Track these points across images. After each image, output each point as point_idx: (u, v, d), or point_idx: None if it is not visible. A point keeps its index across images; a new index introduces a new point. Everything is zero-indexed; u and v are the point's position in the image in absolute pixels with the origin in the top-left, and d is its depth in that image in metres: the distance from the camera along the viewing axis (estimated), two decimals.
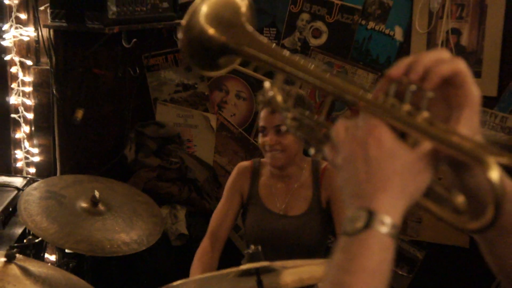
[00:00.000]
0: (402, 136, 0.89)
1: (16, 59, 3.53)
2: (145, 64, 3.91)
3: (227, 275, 2.16)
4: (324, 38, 3.61)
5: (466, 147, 0.84)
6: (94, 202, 2.72)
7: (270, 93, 1.03)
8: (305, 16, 3.61)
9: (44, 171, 3.62)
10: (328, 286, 0.86)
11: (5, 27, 3.48)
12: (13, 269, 2.13)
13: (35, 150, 3.64)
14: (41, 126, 3.63)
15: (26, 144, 3.64)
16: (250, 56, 1.03)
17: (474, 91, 0.93)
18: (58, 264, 3.25)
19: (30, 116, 3.61)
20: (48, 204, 2.69)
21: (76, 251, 2.67)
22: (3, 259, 2.15)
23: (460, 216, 0.88)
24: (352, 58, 3.58)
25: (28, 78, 3.57)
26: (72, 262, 3.09)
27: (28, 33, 3.52)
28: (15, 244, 2.74)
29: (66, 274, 2.34)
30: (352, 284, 0.84)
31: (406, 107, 0.89)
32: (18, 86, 3.56)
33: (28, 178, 3.34)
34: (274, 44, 1.04)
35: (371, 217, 0.85)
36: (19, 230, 3.03)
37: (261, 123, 2.68)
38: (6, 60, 3.54)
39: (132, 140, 3.79)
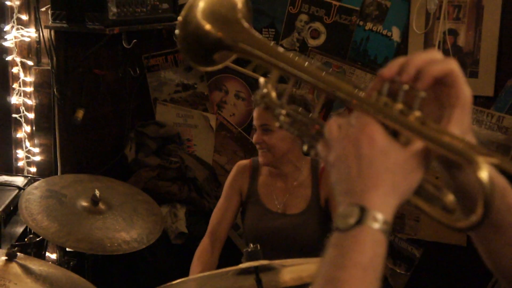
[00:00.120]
0: (394, 134, 0.90)
1: (18, 59, 3.55)
2: (145, 65, 3.92)
3: (227, 273, 2.17)
4: (322, 38, 3.63)
5: (456, 147, 0.86)
6: (94, 201, 2.73)
7: (265, 90, 1.03)
8: (303, 17, 3.63)
9: (45, 170, 3.64)
10: (321, 282, 0.87)
11: (7, 28, 3.50)
12: (14, 267, 2.15)
13: (36, 150, 3.66)
14: (42, 126, 3.65)
15: (27, 143, 3.66)
16: (245, 52, 1.04)
17: (465, 91, 0.94)
18: (59, 262, 3.27)
19: (31, 116, 3.63)
20: (49, 203, 2.70)
21: (76, 250, 2.68)
22: (4, 258, 2.17)
23: (450, 214, 0.89)
24: (350, 58, 3.60)
25: (29, 79, 3.59)
26: (72, 261, 3.11)
27: (29, 34, 3.54)
28: (16, 243, 2.77)
29: (66, 273, 2.36)
30: (345, 279, 0.84)
31: (399, 106, 0.90)
32: (19, 86, 3.58)
33: (29, 177, 3.35)
34: (269, 41, 1.04)
35: (363, 213, 0.86)
36: (20, 229, 3.05)
37: (253, 121, 2.72)
38: (7, 61, 3.56)
39: (132, 139, 3.81)
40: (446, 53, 3.39)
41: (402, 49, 3.50)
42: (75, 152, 3.63)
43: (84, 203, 2.74)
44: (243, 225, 2.91)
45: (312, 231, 2.70)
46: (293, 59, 0.99)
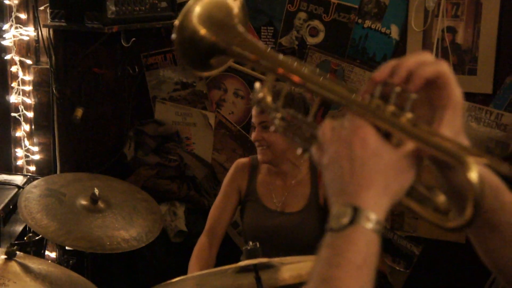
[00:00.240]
0: (386, 136, 0.91)
1: (16, 58, 3.55)
2: (144, 63, 3.93)
3: (226, 271, 2.18)
4: (321, 36, 3.63)
5: (446, 148, 0.87)
6: (93, 199, 2.74)
7: (260, 94, 1.05)
8: (302, 15, 3.63)
9: (44, 169, 3.64)
10: (315, 281, 0.88)
11: (5, 27, 3.50)
12: (14, 266, 2.15)
13: (35, 149, 3.66)
14: (41, 125, 3.65)
15: (26, 142, 3.66)
16: (240, 56, 1.05)
17: (456, 92, 0.94)
18: (58, 261, 3.28)
19: (30, 114, 3.63)
20: (48, 202, 2.71)
21: (76, 248, 2.69)
22: (4, 257, 2.17)
23: (441, 214, 0.91)
24: (349, 56, 3.60)
25: (28, 77, 3.60)
26: (72, 259, 3.12)
27: (28, 32, 3.54)
28: (16, 242, 2.77)
29: (66, 271, 2.36)
30: (340, 277, 0.85)
31: (391, 108, 0.91)
32: (18, 85, 3.58)
33: (28, 176, 3.36)
34: (264, 45, 1.05)
35: (356, 213, 0.87)
36: (19, 228, 3.05)
37: (252, 119, 2.72)
38: (6, 60, 3.56)
39: (132, 138, 3.81)
40: (444, 50, 3.39)
41: (400, 46, 3.51)
42: (74, 150, 3.64)
43: (84, 202, 2.75)
44: (242, 223, 2.91)
45: (311, 229, 2.70)
46: (288, 63, 1.00)
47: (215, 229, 2.81)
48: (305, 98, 2.75)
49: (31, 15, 3.53)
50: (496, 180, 0.99)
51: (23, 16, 3.53)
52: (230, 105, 3.88)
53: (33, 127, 3.65)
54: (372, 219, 0.87)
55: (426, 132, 0.90)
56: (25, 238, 2.70)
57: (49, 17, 3.35)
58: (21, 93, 3.59)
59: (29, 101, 3.60)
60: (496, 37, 3.31)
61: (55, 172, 3.54)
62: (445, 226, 0.88)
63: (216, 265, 2.69)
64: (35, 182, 2.89)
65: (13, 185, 3.17)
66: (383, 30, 3.51)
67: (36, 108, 3.63)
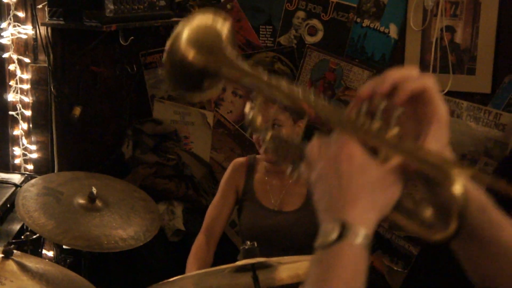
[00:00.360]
0: (373, 152, 0.92)
1: (14, 56, 3.55)
2: (142, 62, 3.92)
3: (223, 270, 2.18)
4: (319, 35, 3.63)
5: (431, 161, 0.88)
6: (91, 198, 2.73)
7: (250, 116, 1.06)
8: (300, 14, 3.63)
9: (42, 167, 3.64)
10: None
11: (3, 25, 3.49)
12: (11, 265, 2.14)
13: (33, 147, 3.66)
14: (39, 123, 3.65)
15: (24, 141, 3.66)
16: (231, 80, 1.06)
17: (441, 107, 0.95)
18: (55, 260, 3.27)
19: (28, 113, 3.63)
20: (45, 201, 2.70)
21: (73, 247, 2.68)
22: (1, 255, 2.16)
23: (428, 228, 0.92)
24: (348, 55, 3.60)
25: (26, 76, 3.59)
26: (69, 258, 3.11)
27: (26, 31, 3.54)
28: (13, 240, 2.76)
29: (63, 270, 2.36)
30: None
31: (376, 124, 0.93)
32: (16, 83, 3.58)
33: (26, 175, 3.35)
34: (252, 68, 1.05)
35: (344, 229, 0.88)
36: (16, 226, 3.04)
37: None
38: (4, 58, 3.56)
39: (130, 137, 3.81)
40: (443, 50, 3.39)
41: (399, 46, 3.51)
42: (72, 149, 3.64)
43: (81, 201, 2.74)
44: (239, 222, 2.91)
45: (308, 228, 2.70)
46: (276, 84, 1.01)
47: (212, 228, 2.81)
48: None
49: (29, 13, 3.52)
50: (483, 197, 1.00)
51: (21, 14, 3.53)
52: (228, 104, 3.88)
53: (31, 125, 3.65)
54: (360, 234, 0.88)
55: (412, 146, 0.92)
56: (22, 236, 2.69)
57: (47, 15, 3.34)
58: (19, 91, 3.58)
59: (27, 99, 3.60)
60: (494, 37, 3.31)
61: (53, 171, 3.54)
62: (431, 239, 0.90)
63: (214, 265, 2.69)
64: (32, 181, 2.88)
65: (10, 183, 3.17)
66: (382, 29, 3.51)
67: (34, 107, 3.62)
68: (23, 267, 2.15)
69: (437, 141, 0.94)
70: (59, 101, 3.47)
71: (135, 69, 3.85)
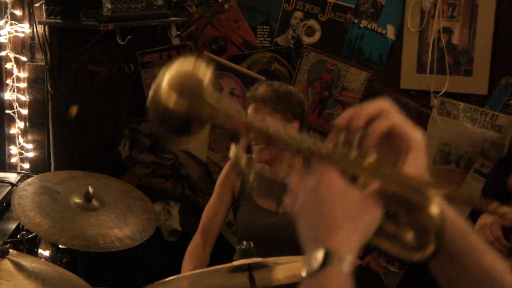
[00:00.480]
0: (353, 179, 0.95)
1: (11, 55, 3.54)
2: (139, 61, 3.91)
3: (219, 271, 2.17)
4: (317, 36, 3.63)
5: (408, 183, 0.93)
6: (88, 198, 2.73)
7: (234, 157, 1.09)
8: (298, 14, 3.63)
9: (38, 166, 3.63)
10: None
11: (1, 23, 3.48)
12: (6, 264, 2.14)
13: (30, 146, 3.65)
14: (35, 122, 3.64)
15: (21, 140, 3.65)
16: (215, 122, 1.08)
17: (415, 136, 0.98)
18: (51, 259, 3.27)
19: (24, 112, 3.62)
20: (42, 200, 2.70)
21: (69, 247, 2.67)
22: None
23: (409, 249, 0.95)
24: (345, 56, 3.61)
25: (23, 74, 3.58)
26: (65, 258, 3.11)
27: (23, 29, 3.53)
28: (9, 239, 2.76)
29: (59, 270, 2.36)
30: None
31: (354, 153, 0.96)
32: (13, 82, 3.57)
33: (22, 174, 3.34)
34: (235, 110, 1.07)
35: (327, 256, 0.89)
36: (12, 226, 3.03)
37: None
38: (1, 56, 3.55)
39: (126, 136, 3.81)
40: (440, 51, 3.39)
41: (396, 47, 3.51)
42: (69, 148, 3.63)
43: (78, 200, 2.74)
44: (235, 222, 2.91)
45: None
46: (256, 124, 1.04)
47: (209, 228, 2.81)
48: (301, 97, 2.75)
49: (26, 12, 3.51)
50: (463, 223, 1.03)
51: (18, 12, 3.52)
52: None
53: (27, 124, 3.64)
54: (344, 260, 0.89)
55: (389, 171, 0.95)
56: (18, 236, 2.69)
57: (44, 14, 3.33)
58: (15, 90, 3.58)
59: (24, 98, 3.59)
60: (492, 38, 3.32)
61: (49, 170, 3.53)
62: (412, 259, 0.93)
63: (210, 265, 2.69)
64: (29, 180, 2.87)
65: (6, 182, 3.16)
66: (379, 30, 3.51)
67: (31, 105, 3.61)
68: (19, 267, 2.15)
69: (415, 167, 0.97)
70: (56, 100, 3.47)
71: (132, 68, 3.85)
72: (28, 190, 2.74)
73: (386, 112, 0.98)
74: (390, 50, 3.52)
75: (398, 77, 3.53)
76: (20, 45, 3.58)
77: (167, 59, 3.89)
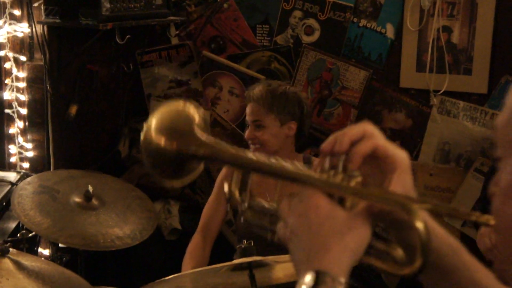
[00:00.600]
0: (341, 202, 0.98)
1: (10, 54, 3.53)
2: (138, 61, 3.91)
3: (220, 269, 2.17)
4: (316, 35, 3.63)
5: (393, 199, 0.95)
6: (87, 197, 2.73)
7: (228, 191, 1.12)
8: (297, 13, 3.63)
9: (38, 166, 3.63)
10: None
11: None
12: (7, 263, 2.14)
13: (29, 145, 3.65)
14: (35, 122, 3.63)
15: (20, 139, 3.64)
16: (208, 160, 1.10)
17: (398, 155, 1.01)
18: (51, 258, 3.26)
19: (24, 111, 3.61)
20: (41, 199, 2.70)
21: (69, 246, 2.68)
22: None
23: (399, 265, 0.97)
24: (344, 55, 3.61)
25: (22, 74, 3.58)
26: (65, 257, 3.10)
27: (22, 29, 3.52)
28: (9, 238, 2.75)
29: (59, 268, 2.35)
30: None
31: (340, 176, 0.99)
32: (12, 81, 3.56)
33: (21, 173, 3.34)
34: (226, 147, 1.09)
35: (318, 277, 0.90)
36: (12, 225, 3.03)
37: (246, 117, 2.73)
38: (0, 56, 3.55)
39: (126, 135, 3.81)
40: (440, 50, 3.39)
41: (396, 46, 3.51)
42: (68, 147, 3.63)
43: (77, 199, 2.74)
44: (235, 221, 2.91)
45: None
46: (245, 160, 1.08)
47: (208, 227, 2.81)
48: (300, 97, 2.75)
49: (25, 12, 3.51)
50: (454, 241, 1.05)
51: (17, 12, 3.51)
52: (225, 103, 3.88)
53: (26, 124, 3.63)
54: (335, 280, 0.90)
55: (375, 190, 0.98)
56: (18, 235, 2.68)
57: (43, 14, 3.33)
58: (15, 89, 3.57)
59: (23, 97, 3.58)
60: (491, 37, 3.32)
61: (49, 169, 3.52)
62: (401, 273, 0.95)
63: (210, 263, 2.69)
64: (28, 179, 2.87)
65: (6, 181, 3.16)
66: (379, 29, 3.51)
67: (30, 105, 3.61)
68: (19, 265, 2.15)
69: (401, 186, 1.00)
70: (55, 99, 3.46)
71: (132, 67, 3.85)
72: (27, 189, 2.74)
73: (369, 134, 1.01)
74: (390, 49, 3.52)
75: (397, 76, 3.53)
76: (19, 44, 3.57)
77: (166, 58, 3.89)
